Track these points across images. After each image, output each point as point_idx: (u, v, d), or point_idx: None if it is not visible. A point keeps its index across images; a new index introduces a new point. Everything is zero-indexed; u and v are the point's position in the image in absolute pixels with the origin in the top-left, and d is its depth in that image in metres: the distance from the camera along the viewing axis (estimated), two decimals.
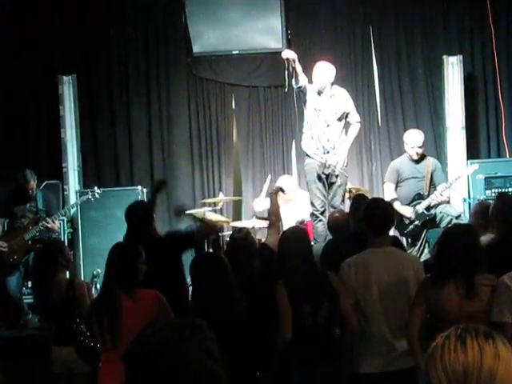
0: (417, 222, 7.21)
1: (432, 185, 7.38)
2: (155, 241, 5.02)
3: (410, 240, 7.26)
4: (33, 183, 7.21)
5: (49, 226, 7.11)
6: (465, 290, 3.63)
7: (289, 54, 7.10)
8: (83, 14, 9.13)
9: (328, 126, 7.05)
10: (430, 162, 7.47)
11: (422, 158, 7.43)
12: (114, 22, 9.31)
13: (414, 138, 7.42)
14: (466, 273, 3.65)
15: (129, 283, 4.08)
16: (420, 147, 7.36)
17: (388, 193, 7.46)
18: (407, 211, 7.22)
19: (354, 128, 7.28)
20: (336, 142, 7.10)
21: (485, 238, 4.82)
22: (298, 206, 7.91)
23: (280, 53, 8.93)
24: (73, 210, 7.95)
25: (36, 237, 7.10)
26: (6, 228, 7.23)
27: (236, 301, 3.96)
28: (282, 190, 5.82)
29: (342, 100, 7.16)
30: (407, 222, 7.25)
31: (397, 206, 7.10)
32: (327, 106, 7.05)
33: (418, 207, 7.21)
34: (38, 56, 9.07)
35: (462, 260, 3.66)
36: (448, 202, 7.39)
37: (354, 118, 7.25)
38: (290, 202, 8.16)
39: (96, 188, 7.61)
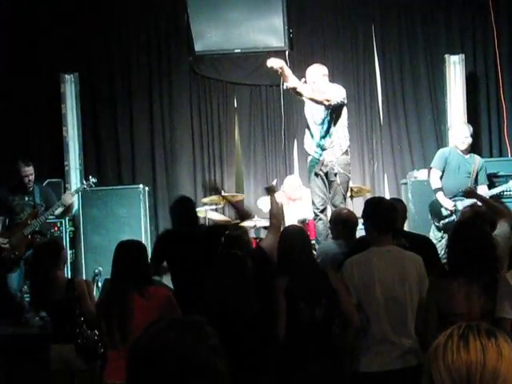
0: (454, 217, 7.13)
1: (475, 183, 7.36)
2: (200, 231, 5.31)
3: (442, 233, 7.17)
4: (32, 169, 7.22)
5: (69, 201, 7.23)
6: (481, 290, 3.65)
7: (273, 62, 6.94)
8: (85, 12, 9.13)
9: (320, 124, 6.99)
10: (478, 160, 7.48)
11: (470, 152, 7.47)
12: (116, 20, 9.32)
13: (460, 131, 7.51)
14: (483, 271, 3.67)
15: (141, 281, 4.10)
16: (467, 137, 7.43)
17: (434, 180, 7.41)
18: (449, 204, 7.18)
19: (323, 95, 6.73)
20: (332, 136, 7.02)
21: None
22: (303, 205, 7.92)
23: (282, 52, 9.02)
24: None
25: (36, 230, 7.14)
26: (5, 224, 7.23)
27: (251, 302, 4.00)
28: (273, 190, 5.77)
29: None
30: (446, 213, 7.21)
31: (439, 196, 7.19)
32: (316, 106, 6.98)
33: (458, 203, 7.16)
34: (40, 54, 9.08)
35: (476, 258, 3.67)
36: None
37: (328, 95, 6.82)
38: (295, 201, 8.17)
39: (91, 177, 7.63)
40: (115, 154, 9.24)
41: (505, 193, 7.45)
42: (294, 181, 8.22)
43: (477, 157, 7.57)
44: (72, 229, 8.15)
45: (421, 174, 8.25)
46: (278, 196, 8.14)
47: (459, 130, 7.56)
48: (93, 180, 7.55)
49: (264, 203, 8.12)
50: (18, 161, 7.25)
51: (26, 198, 7.24)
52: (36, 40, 9.07)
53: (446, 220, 7.20)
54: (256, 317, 3.98)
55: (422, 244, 4.90)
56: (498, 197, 7.22)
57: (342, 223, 5.60)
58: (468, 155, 7.45)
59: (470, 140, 7.46)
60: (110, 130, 9.28)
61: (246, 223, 8.05)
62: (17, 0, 9.03)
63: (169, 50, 9.31)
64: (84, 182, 7.69)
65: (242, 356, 3.70)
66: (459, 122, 7.86)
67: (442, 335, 1.52)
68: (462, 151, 7.43)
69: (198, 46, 9.08)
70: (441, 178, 7.41)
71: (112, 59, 9.30)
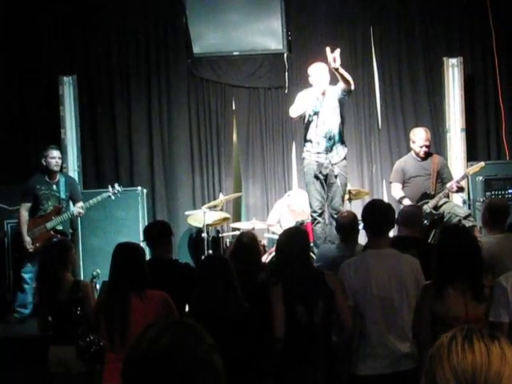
0: (425, 222, 7.16)
1: (440, 183, 7.36)
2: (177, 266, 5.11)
3: None
4: (60, 154, 7.50)
5: (81, 211, 7.34)
6: (472, 294, 3.64)
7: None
8: (84, 14, 9.14)
9: (327, 123, 6.93)
10: (437, 159, 7.45)
11: (427, 155, 7.43)
12: (114, 22, 9.31)
13: (422, 136, 7.39)
14: (471, 275, 3.66)
15: (140, 284, 4.09)
16: (428, 146, 7.37)
17: (396, 192, 7.44)
18: None
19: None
20: (335, 135, 6.99)
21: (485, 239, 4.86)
22: (301, 214, 7.92)
23: (281, 54, 9.01)
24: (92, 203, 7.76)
25: (58, 227, 7.28)
26: (30, 212, 7.33)
27: (239, 302, 3.97)
28: None
29: (332, 88, 7.01)
30: None
31: (406, 203, 7.09)
32: (324, 104, 6.95)
33: (425, 207, 7.15)
34: (39, 56, 9.07)
35: (465, 262, 3.67)
36: (462, 190, 7.32)
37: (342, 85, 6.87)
38: (296, 212, 8.14)
39: (116, 185, 7.69)
40: (113, 156, 9.23)
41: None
42: (304, 197, 8.02)
43: (437, 156, 7.55)
44: (70, 231, 8.13)
45: None
46: (281, 202, 8.20)
47: (420, 137, 7.40)
48: (118, 189, 7.56)
49: (273, 218, 8.19)
50: (47, 147, 7.46)
51: (54, 187, 7.36)
52: (35, 42, 9.05)
53: None
54: (246, 319, 3.96)
55: None
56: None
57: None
58: (425, 161, 7.38)
59: (428, 148, 7.39)
60: (108, 132, 9.26)
61: (244, 225, 8.08)
62: (16, 2, 9.02)
63: (167, 52, 9.30)
64: (110, 189, 7.66)
65: (237, 361, 3.67)
66: (419, 128, 7.68)
67: (444, 336, 1.51)
68: (419, 158, 7.41)
69: (197, 48, 9.08)
70: (403, 187, 7.42)
71: (110, 61, 9.29)
